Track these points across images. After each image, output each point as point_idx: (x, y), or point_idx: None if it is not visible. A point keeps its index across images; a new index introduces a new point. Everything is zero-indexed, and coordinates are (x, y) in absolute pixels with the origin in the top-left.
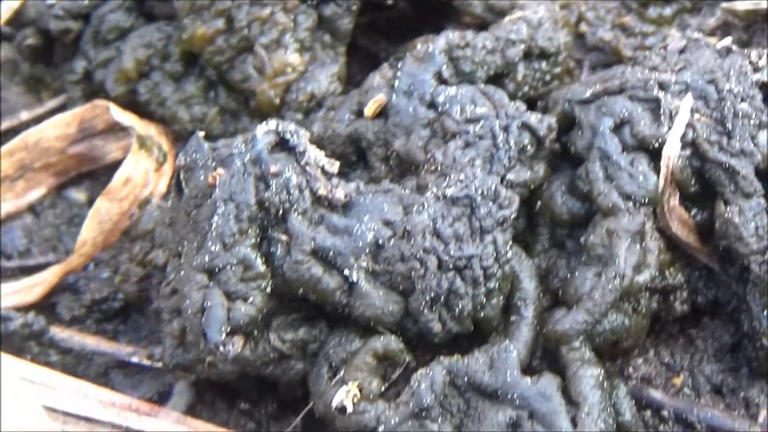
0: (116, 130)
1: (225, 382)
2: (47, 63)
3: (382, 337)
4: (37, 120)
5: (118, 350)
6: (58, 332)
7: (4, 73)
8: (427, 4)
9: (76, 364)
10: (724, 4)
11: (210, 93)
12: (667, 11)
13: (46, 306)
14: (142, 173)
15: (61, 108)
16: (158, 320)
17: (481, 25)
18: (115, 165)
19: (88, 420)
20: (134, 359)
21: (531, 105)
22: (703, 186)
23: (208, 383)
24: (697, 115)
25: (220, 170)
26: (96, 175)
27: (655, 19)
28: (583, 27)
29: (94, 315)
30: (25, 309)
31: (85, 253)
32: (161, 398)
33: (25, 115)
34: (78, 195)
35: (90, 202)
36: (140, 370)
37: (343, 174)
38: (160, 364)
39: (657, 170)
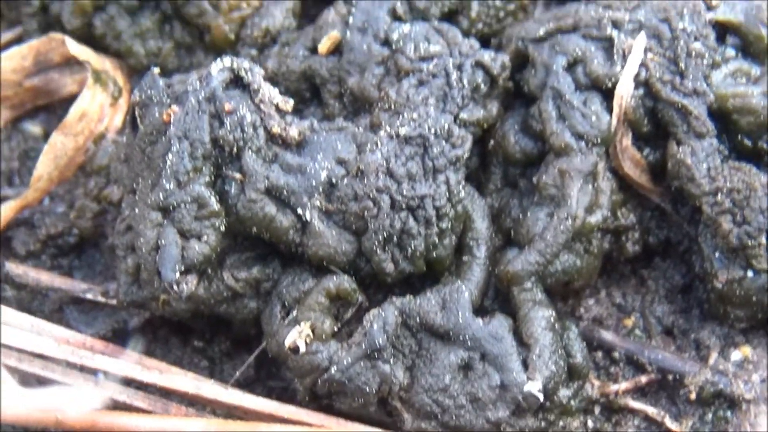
0: (72, 63)
1: (179, 320)
2: None
3: (335, 277)
4: None
5: (72, 286)
6: (13, 267)
7: None
8: None
9: (30, 300)
10: None
11: (165, 27)
12: None
13: (1, 241)
14: (97, 108)
15: (17, 40)
16: (113, 257)
17: None
18: (71, 98)
19: (42, 357)
20: (89, 296)
21: (485, 42)
22: (655, 126)
23: (162, 321)
24: (650, 54)
25: (175, 107)
26: (52, 108)
27: None
28: None
29: (49, 250)
30: None
31: (41, 188)
32: (116, 335)
33: None
34: (34, 128)
35: (46, 136)
36: (95, 306)
37: (296, 111)
38: (114, 301)
39: (610, 110)
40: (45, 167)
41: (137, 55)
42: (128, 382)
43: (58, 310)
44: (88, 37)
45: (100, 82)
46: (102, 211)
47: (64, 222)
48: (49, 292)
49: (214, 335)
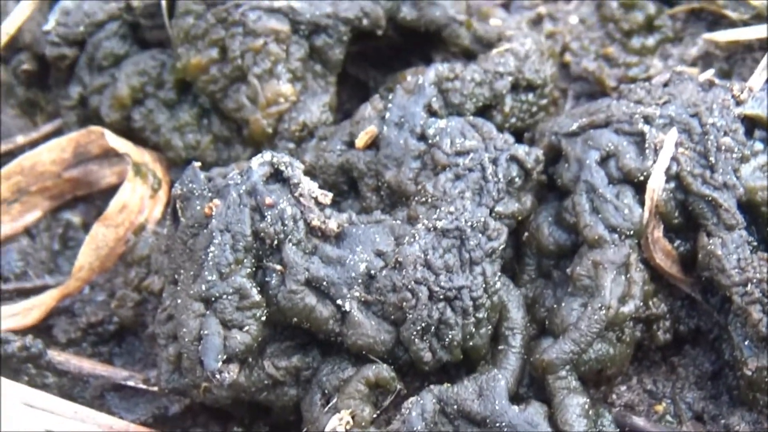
0: (110, 155)
1: (219, 406)
2: (42, 87)
3: (374, 366)
4: (33, 144)
5: (114, 373)
6: (55, 355)
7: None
8: (416, 34)
9: (72, 386)
10: (706, 35)
11: (204, 121)
12: (650, 41)
13: (42, 328)
14: (137, 200)
15: (57, 132)
16: (153, 344)
17: (469, 56)
18: (110, 189)
19: None
20: (130, 383)
21: (518, 136)
22: (686, 218)
23: (202, 407)
24: (681, 149)
25: (217, 201)
26: (90, 198)
27: (638, 49)
28: (568, 57)
29: (90, 338)
30: (22, 332)
31: (82, 278)
32: (156, 422)
33: (21, 139)
34: (73, 218)
35: (85, 226)
36: (136, 393)
37: (334, 204)
38: (155, 388)
39: (642, 203)
40: (86, 257)
41: (176, 148)
42: None
43: (99, 396)
44: (126, 130)
45: (140, 174)
46: (142, 300)
47: (105, 311)
48: (90, 379)
49: (253, 421)
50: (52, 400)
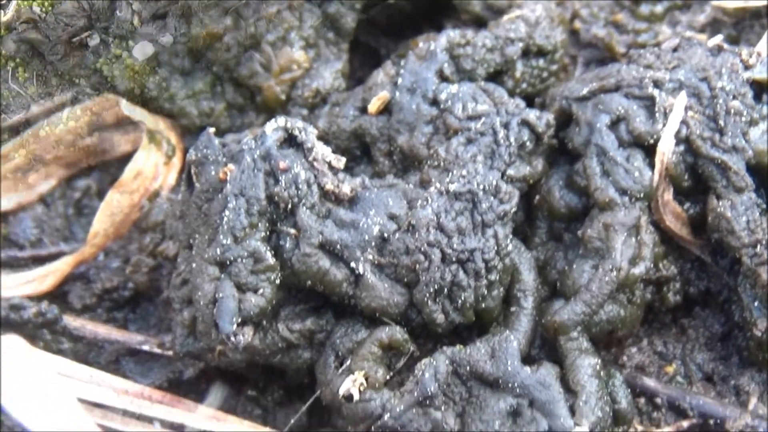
0: (125, 123)
1: (233, 369)
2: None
3: (387, 328)
4: (48, 113)
5: (129, 338)
6: (71, 321)
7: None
8: (427, 2)
9: (87, 352)
10: (714, 2)
11: (217, 88)
12: (659, 8)
13: (58, 295)
14: (151, 166)
15: (72, 101)
16: (168, 309)
17: (479, 23)
18: (124, 158)
19: (101, 407)
20: (145, 347)
21: (529, 101)
22: (696, 181)
23: (217, 370)
24: (690, 112)
25: (231, 166)
26: (105, 166)
27: (647, 16)
28: (578, 24)
29: (105, 304)
30: (38, 298)
31: (97, 244)
32: (171, 385)
33: (35, 108)
34: (88, 186)
35: (99, 193)
36: (151, 357)
37: (348, 169)
38: (170, 352)
39: (652, 166)
40: (101, 224)
41: (190, 115)
42: (186, 430)
43: (115, 361)
44: (140, 98)
45: (155, 141)
46: (157, 265)
47: (119, 276)
48: (105, 344)
49: (267, 385)
50: (66, 364)
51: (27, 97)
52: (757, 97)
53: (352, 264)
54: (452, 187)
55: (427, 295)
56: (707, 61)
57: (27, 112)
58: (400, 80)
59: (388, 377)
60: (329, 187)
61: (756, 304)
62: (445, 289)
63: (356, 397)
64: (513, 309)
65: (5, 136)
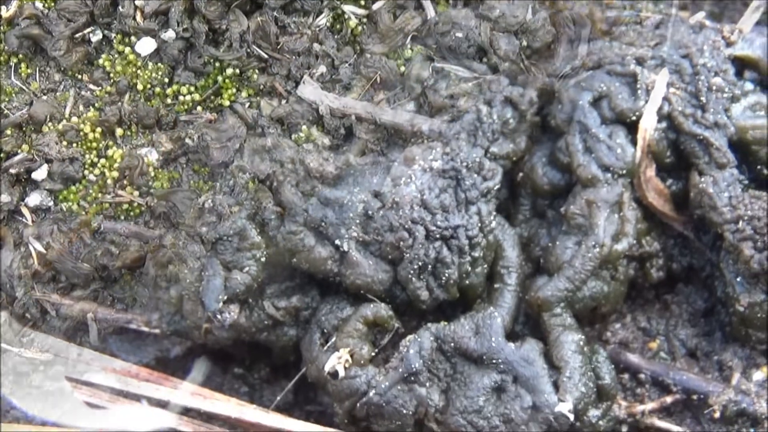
0: None
1: (220, 347)
2: None
3: (372, 305)
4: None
5: (116, 317)
6: (58, 299)
7: None
8: None
9: (75, 330)
10: None
11: None
12: None
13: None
14: None
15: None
16: (155, 288)
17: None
18: None
19: (90, 385)
20: (132, 326)
21: (512, 79)
22: (678, 157)
23: (203, 348)
24: (672, 89)
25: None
26: None
27: None
28: (561, 1)
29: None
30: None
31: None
32: (159, 363)
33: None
34: None
35: None
36: (137, 335)
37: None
38: (157, 331)
39: (634, 142)
40: None
41: None
42: (173, 408)
43: (102, 339)
44: None
45: None
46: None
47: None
48: (92, 323)
49: (253, 362)
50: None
51: (29, 93)
52: (739, 74)
53: (337, 241)
54: (436, 165)
55: (412, 271)
56: (689, 38)
57: (29, 108)
58: None
59: (373, 354)
60: (314, 165)
61: (738, 279)
62: (429, 266)
63: (341, 374)
64: (497, 285)
65: (8, 132)
